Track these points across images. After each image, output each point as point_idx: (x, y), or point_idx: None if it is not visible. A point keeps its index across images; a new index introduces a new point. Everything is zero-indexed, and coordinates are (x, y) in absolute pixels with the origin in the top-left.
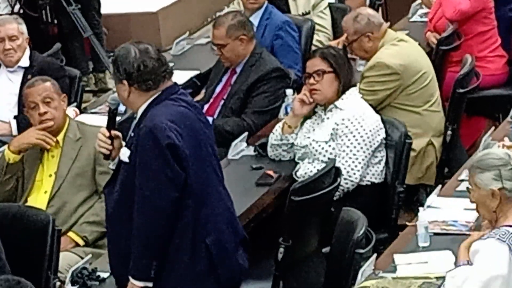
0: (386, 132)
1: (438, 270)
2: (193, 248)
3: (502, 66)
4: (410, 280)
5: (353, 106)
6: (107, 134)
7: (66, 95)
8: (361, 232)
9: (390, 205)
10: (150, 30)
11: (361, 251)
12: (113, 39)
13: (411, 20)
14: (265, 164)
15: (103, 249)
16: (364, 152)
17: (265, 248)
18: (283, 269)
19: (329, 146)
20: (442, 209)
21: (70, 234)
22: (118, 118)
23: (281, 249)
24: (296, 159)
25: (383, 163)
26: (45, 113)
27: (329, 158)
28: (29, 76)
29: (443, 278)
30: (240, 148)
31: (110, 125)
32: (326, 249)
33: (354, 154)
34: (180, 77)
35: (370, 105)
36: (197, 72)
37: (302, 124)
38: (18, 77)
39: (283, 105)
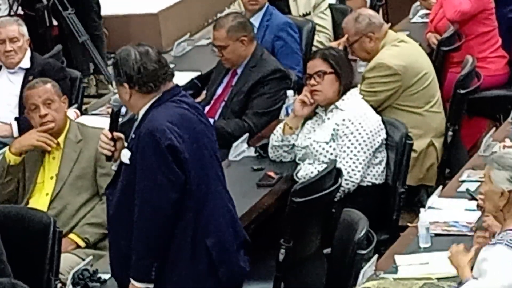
0: (387, 133)
1: (439, 271)
2: (193, 250)
3: (503, 67)
4: (411, 281)
5: (354, 107)
6: (110, 136)
7: (67, 96)
8: (362, 233)
9: (391, 206)
10: (151, 32)
11: (362, 252)
12: (114, 40)
13: (412, 21)
14: (266, 165)
15: (104, 250)
16: (364, 152)
17: (266, 249)
18: (284, 270)
19: (330, 147)
20: (443, 210)
21: (71, 235)
22: (119, 120)
23: (282, 250)
24: (297, 160)
25: (384, 164)
26: (46, 115)
27: (329, 159)
28: (30, 78)
29: (444, 279)
30: (241, 149)
31: (113, 126)
32: (327, 250)
33: (355, 155)
34: (181, 78)
35: (371, 106)
36: (198, 73)
37: (303, 125)
38: (19, 78)
39: (284, 106)
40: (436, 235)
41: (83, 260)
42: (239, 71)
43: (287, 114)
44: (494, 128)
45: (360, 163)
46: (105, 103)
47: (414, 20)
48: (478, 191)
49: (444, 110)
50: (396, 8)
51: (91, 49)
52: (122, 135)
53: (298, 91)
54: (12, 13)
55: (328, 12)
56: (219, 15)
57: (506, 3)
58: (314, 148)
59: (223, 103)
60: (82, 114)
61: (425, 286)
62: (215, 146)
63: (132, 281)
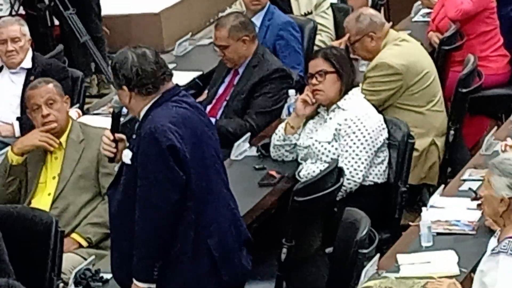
0: (389, 132)
1: (441, 270)
2: (195, 250)
3: (505, 66)
4: (413, 280)
5: (356, 106)
6: (112, 137)
7: (69, 96)
8: (364, 232)
9: (393, 205)
10: (152, 31)
11: (364, 251)
12: (115, 40)
13: (413, 20)
14: (268, 164)
15: (107, 250)
16: (366, 152)
17: (268, 248)
18: (286, 269)
19: (332, 146)
20: (445, 209)
21: (74, 235)
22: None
23: (284, 250)
24: (299, 160)
25: (385, 163)
26: (48, 115)
27: (331, 158)
28: (32, 78)
29: (446, 278)
30: (243, 148)
31: (114, 127)
32: (329, 249)
33: (357, 154)
34: (183, 78)
35: (373, 105)
36: (200, 73)
37: (304, 124)
38: (20, 78)
39: (286, 106)
40: (438, 234)
41: (85, 259)
42: (240, 70)
43: (289, 113)
44: (495, 127)
45: (362, 163)
46: (106, 102)
47: (415, 19)
48: (479, 193)
49: (445, 109)
50: (397, 7)
51: (92, 49)
52: (123, 136)
53: (299, 90)
54: (13, 13)
55: (329, 11)
56: (220, 14)
57: (507, 2)
58: (316, 148)
59: (224, 103)
60: (83, 113)
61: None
62: (217, 146)
63: (135, 281)
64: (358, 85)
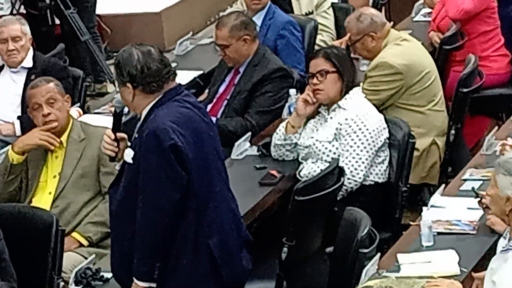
0: (390, 131)
1: (442, 270)
2: (196, 249)
3: (506, 65)
4: (413, 279)
5: (357, 106)
6: (113, 136)
7: (70, 95)
8: (365, 231)
9: (393, 205)
10: (153, 31)
11: (365, 250)
12: (116, 39)
13: (414, 19)
14: (268, 163)
15: (107, 249)
16: (367, 151)
17: (269, 247)
18: (287, 268)
19: (333, 146)
20: (446, 209)
21: (74, 234)
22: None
23: (285, 249)
24: (299, 159)
25: (386, 162)
26: (49, 114)
27: (332, 158)
28: (33, 77)
29: (447, 277)
30: (243, 148)
31: (116, 127)
32: (329, 249)
33: (358, 154)
34: (183, 77)
35: (374, 104)
36: (200, 72)
37: (305, 124)
38: (21, 77)
39: (287, 105)
40: (439, 233)
41: (86, 258)
42: (241, 69)
43: (290, 113)
44: (496, 127)
45: (363, 162)
46: (107, 102)
47: (416, 18)
48: (486, 192)
49: (446, 108)
50: (398, 7)
51: (92, 48)
52: (125, 135)
53: (300, 90)
54: (14, 12)
55: (330, 11)
56: (221, 14)
57: (508, 2)
58: (316, 147)
59: (225, 102)
60: (84, 113)
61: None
62: (218, 146)
63: (135, 280)
64: (359, 85)
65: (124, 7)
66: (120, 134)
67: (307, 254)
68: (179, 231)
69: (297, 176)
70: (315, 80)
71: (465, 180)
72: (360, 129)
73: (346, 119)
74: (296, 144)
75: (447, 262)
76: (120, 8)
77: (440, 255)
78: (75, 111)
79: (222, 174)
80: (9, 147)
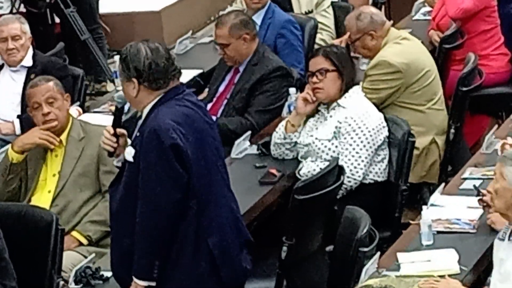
0: (389, 130)
1: (442, 268)
2: (196, 249)
3: (505, 64)
4: (413, 278)
5: (356, 105)
6: (112, 131)
7: (69, 94)
8: (365, 230)
9: (393, 204)
10: (153, 29)
11: (365, 249)
12: (116, 38)
13: (414, 18)
14: (268, 162)
15: (107, 248)
16: (367, 150)
17: (269, 246)
18: (287, 267)
19: (332, 144)
20: (446, 207)
21: (74, 233)
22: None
23: (285, 248)
24: (299, 158)
25: (386, 161)
26: (49, 113)
27: (332, 157)
28: (32, 76)
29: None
30: (243, 147)
31: (116, 123)
32: (329, 248)
33: (357, 153)
34: (183, 76)
35: (373, 103)
36: (200, 71)
37: (305, 122)
38: (21, 76)
39: (286, 104)
40: (439, 232)
41: (86, 257)
42: (241, 68)
43: (289, 111)
44: (496, 126)
45: (363, 161)
46: (107, 101)
47: (416, 17)
48: (487, 189)
49: (446, 107)
50: (398, 6)
51: (92, 47)
52: (125, 131)
53: (300, 88)
54: (14, 10)
55: (330, 10)
56: (221, 12)
57: (508, 1)
58: (316, 146)
59: (225, 101)
60: (84, 111)
61: None
62: (219, 145)
63: (135, 279)
64: (358, 84)
65: (124, 6)
66: (120, 130)
67: (307, 253)
68: (179, 231)
69: (297, 175)
70: (314, 79)
71: (465, 179)
72: (359, 127)
73: (346, 118)
74: (295, 143)
75: (447, 261)
76: (120, 7)
77: (440, 254)
78: (74, 110)
79: (223, 174)
80: (9, 146)
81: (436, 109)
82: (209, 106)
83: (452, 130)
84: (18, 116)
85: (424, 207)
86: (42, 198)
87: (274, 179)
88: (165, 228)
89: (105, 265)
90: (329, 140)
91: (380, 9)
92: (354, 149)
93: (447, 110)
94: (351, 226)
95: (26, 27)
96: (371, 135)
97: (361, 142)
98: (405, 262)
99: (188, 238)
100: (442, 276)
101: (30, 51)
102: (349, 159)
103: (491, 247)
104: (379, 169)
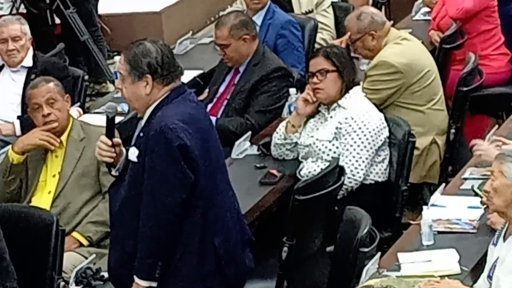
0: (390, 130)
1: (442, 269)
2: (201, 249)
3: (506, 64)
4: (414, 278)
5: (357, 105)
6: (110, 143)
7: (70, 95)
8: (365, 230)
9: (394, 204)
10: (153, 30)
11: (365, 249)
12: (117, 39)
13: (414, 18)
14: (268, 163)
15: (107, 249)
16: (367, 151)
17: (269, 247)
18: (287, 268)
19: (333, 145)
20: (446, 208)
21: (74, 234)
22: (121, 118)
23: (285, 248)
24: (299, 158)
25: (386, 161)
26: (49, 114)
27: (332, 157)
28: (33, 76)
29: (447, 276)
30: (243, 147)
31: (110, 133)
32: (330, 248)
33: (358, 153)
34: (183, 76)
35: (374, 104)
36: (200, 71)
37: (305, 123)
38: (21, 77)
39: (287, 104)
40: (439, 232)
41: (86, 258)
42: (241, 69)
43: (290, 112)
44: (496, 126)
45: (363, 161)
46: (107, 101)
47: (416, 17)
48: (483, 189)
49: (446, 107)
50: (398, 6)
51: (92, 47)
52: (120, 141)
53: (300, 89)
54: (14, 11)
55: (330, 10)
56: (221, 13)
57: (508, 1)
58: (316, 147)
59: (225, 102)
60: (84, 112)
61: None
62: (220, 145)
63: (136, 279)
64: (359, 84)
65: (124, 7)
66: (116, 140)
67: (307, 253)
68: (185, 231)
69: (297, 175)
70: (315, 79)
71: (466, 179)
72: (360, 128)
73: (346, 118)
74: (296, 143)
75: (447, 261)
76: (120, 7)
77: (441, 254)
78: (75, 110)
79: (225, 173)
80: (9, 147)
81: (437, 109)
82: (209, 106)
83: (453, 130)
84: (19, 117)
85: (424, 207)
86: (42, 199)
87: (275, 179)
88: (170, 228)
89: (105, 266)
90: (330, 141)
91: (380, 9)
92: (354, 149)
93: (448, 110)
94: (351, 227)
95: (26, 28)
96: (371, 136)
97: (362, 142)
98: (406, 262)
99: (193, 238)
100: (442, 277)
101: (30, 52)
102: (349, 160)
103: None
104: (380, 169)
